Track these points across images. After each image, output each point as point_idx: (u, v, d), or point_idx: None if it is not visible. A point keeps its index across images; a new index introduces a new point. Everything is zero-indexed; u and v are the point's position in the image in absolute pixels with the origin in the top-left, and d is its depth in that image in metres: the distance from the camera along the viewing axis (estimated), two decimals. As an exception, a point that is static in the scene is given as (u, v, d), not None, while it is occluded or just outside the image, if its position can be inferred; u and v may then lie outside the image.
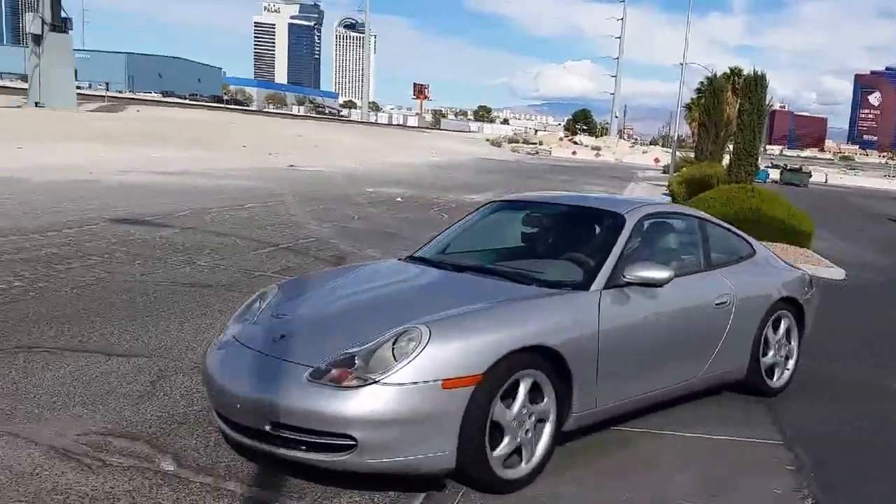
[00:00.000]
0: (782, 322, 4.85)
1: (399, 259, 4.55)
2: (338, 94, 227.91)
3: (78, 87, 31.75)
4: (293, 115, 63.83)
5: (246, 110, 58.93)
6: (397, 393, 2.95)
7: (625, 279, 3.74)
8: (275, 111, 68.78)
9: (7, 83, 40.22)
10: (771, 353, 4.73)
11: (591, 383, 3.55)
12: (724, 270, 4.55)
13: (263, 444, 3.00)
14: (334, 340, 3.24)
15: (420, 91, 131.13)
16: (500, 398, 3.15)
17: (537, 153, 61.94)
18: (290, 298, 3.83)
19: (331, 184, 16.43)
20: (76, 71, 30.91)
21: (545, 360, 3.34)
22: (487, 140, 72.90)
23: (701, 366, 4.23)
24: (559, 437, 3.45)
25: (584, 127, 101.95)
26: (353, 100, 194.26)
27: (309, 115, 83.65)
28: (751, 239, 5.17)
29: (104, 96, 37.63)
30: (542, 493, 3.18)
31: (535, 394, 3.31)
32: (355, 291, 3.94)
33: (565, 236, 4.60)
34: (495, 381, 3.12)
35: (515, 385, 3.22)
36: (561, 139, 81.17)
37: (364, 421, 2.93)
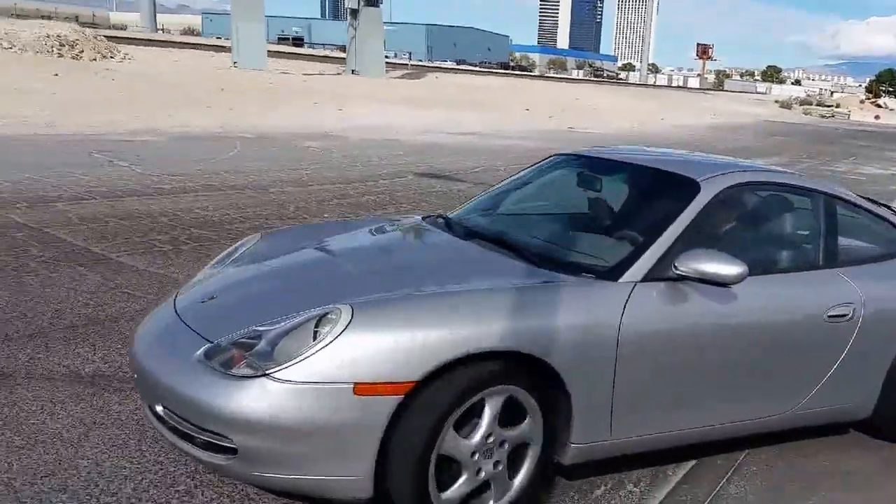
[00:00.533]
0: None
1: (425, 218, 3.77)
2: (616, 57, 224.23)
3: (385, 57, 35.59)
4: (572, 78, 64.91)
5: (529, 75, 61.19)
6: (290, 393, 2.26)
7: (677, 271, 2.80)
8: (555, 76, 70.35)
9: (328, 53, 45.94)
10: None
11: (604, 406, 2.68)
12: (856, 271, 3.38)
13: (160, 424, 2.50)
14: (256, 312, 2.59)
15: (703, 51, 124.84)
16: (457, 421, 2.39)
17: (833, 116, 57.09)
18: (260, 252, 3.34)
19: (606, 144, 17.48)
20: (385, 42, 34.69)
21: (525, 372, 2.50)
22: (776, 102, 68.26)
23: (794, 398, 3.19)
24: (554, 471, 2.83)
25: (891, 89, 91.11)
26: (632, 62, 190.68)
27: (587, 78, 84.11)
28: None
29: (407, 64, 41.71)
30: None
31: (511, 413, 2.53)
32: (330, 252, 3.26)
33: (623, 206, 3.59)
34: (441, 395, 2.35)
35: (480, 405, 2.45)
36: (862, 102, 73.66)
37: (243, 422, 2.27)
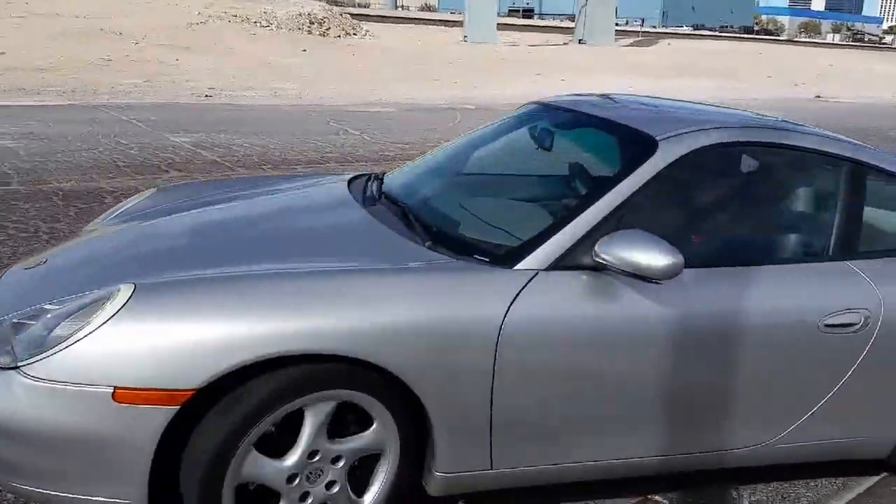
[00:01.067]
0: None
1: (355, 178, 3.22)
2: (882, 18, 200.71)
3: (616, 25, 34.85)
4: (826, 43, 59.40)
5: (775, 40, 56.82)
6: (36, 392, 1.88)
7: (597, 258, 2.21)
8: (806, 40, 64.71)
9: (558, 23, 45.81)
10: None
11: (479, 429, 2.17)
12: (881, 266, 2.61)
13: None
14: (60, 284, 2.22)
15: None
16: (270, 437, 2.01)
17: None
18: (136, 210, 2.95)
19: (856, 116, 16.06)
20: (616, 9, 33.97)
21: (366, 373, 2.05)
22: None
23: (771, 428, 2.52)
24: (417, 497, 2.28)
25: None
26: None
27: (844, 43, 76.43)
28: None
29: (638, 31, 40.55)
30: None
31: (354, 421, 2.13)
32: (194, 217, 2.76)
33: (566, 171, 2.95)
34: (236, 407, 1.93)
35: (299, 415, 2.04)
36: None
37: None
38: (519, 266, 2.24)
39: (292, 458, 2.06)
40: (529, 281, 2.21)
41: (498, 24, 29.94)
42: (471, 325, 2.11)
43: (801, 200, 2.87)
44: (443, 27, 32.42)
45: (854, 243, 2.67)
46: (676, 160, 2.47)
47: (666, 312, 2.28)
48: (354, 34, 25.59)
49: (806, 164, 2.82)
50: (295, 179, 3.44)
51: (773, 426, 2.54)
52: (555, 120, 3.12)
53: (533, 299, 2.18)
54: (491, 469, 2.26)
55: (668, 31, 49.45)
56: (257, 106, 12.07)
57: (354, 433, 2.15)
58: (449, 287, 2.16)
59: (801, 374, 2.49)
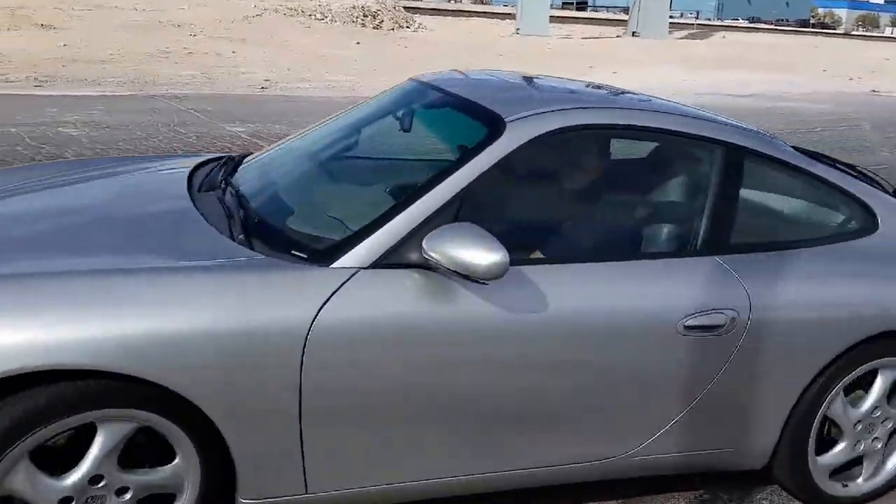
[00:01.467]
0: (878, 380, 2.57)
1: (208, 161, 2.95)
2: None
3: (670, 17, 34.34)
4: (884, 37, 57.68)
5: (831, 34, 55.38)
6: None
7: (425, 255, 1.99)
8: (863, 34, 62.99)
9: (611, 15, 45.33)
10: (843, 445, 2.60)
11: (288, 448, 1.96)
12: (753, 261, 2.41)
13: None
14: None
15: None
16: (45, 454, 1.80)
17: None
18: None
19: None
20: (671, 1, 33.45)
21: (152, 401, 1.82)
22: None
23: (637, 437, 2.35)
24: None
25: None
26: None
27: (907, 36, 74.13)
28: (883, 197, 2.74)
29: (693, 24, 39.94)
30: None
31: (148, 449, 1.90)
32: (17, 201, 2.55)
33: (416, 154, 2.78)
34: (4, 413, 1.73)
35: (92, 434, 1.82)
36: None
37: None
38: (336, 264, 1.99)
39: (70, 479, 1.81)
40: (346, 281, 1.96)
41: (551, 16, 29.76)
42: (271, 333, 1.85)
43: (666, 189, 2.63)
44: (495, 20, 32.36)
45: (725, 237, 2.44)
46: (525, 144, 2.22)
47: (502, 316, 2.06)
48: (407, 27, 25.70)
49: (674, 148, 2.63)
50: (154, 160, 3.15)
51: (631, 436, 2.34)
52: (421, 98, 2.80)
53: (349, 303, 1.93)
54: (306, 493, 2.03)
55: (723, 24, 48.53)
56: (312, 98, 12.24)
57: (153, 464, 1.89)
58: (247, 289, 1.88)
59: (660, 380, 2.29)
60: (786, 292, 2.40)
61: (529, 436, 2.24)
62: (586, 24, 36.11)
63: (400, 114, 2.81)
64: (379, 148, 2.89)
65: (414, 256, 2.03)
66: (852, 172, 2.88)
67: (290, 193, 2.55)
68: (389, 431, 2.07)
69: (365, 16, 24.51)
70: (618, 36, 31.38)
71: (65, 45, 15.30)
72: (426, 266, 2.02)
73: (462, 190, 2.15)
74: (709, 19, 52.04)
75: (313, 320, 1.90)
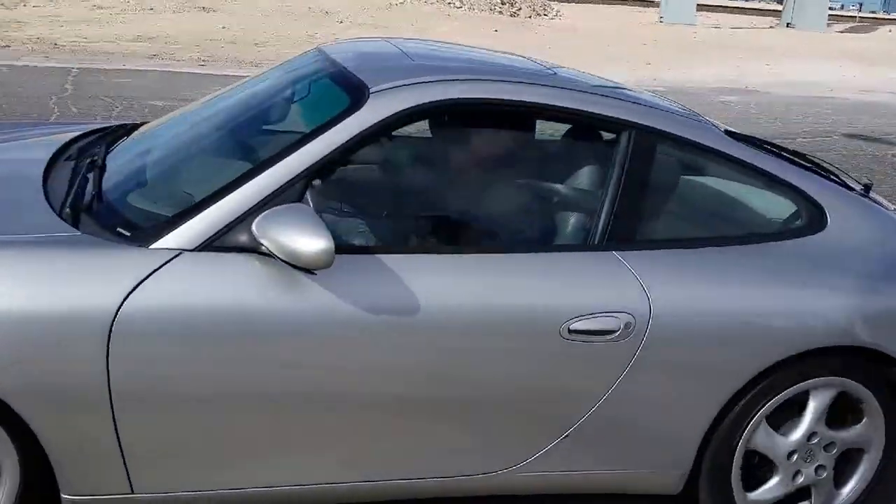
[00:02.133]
0: (810, 403, 2.30)
1: (112, 128, 2.77)
2: None
3: (830, 9, 32.34)
4: None
5: None
6: None
7: (260, 240, 1.84)
8: None
9: (763, 5, 43.16)
10: (777, 479, 2.35)
11: (105, 447, 1.83)
12: (661, 258, 2.16)
13: None
14: None
15: None
16: None
17: None
18: None
19: None
20: (831, -9, 31.49)
21: None
22: None
23: (511, 454, 2.13)
24: None
25: None
26: None
27: None
28: (837, 192, 2.43)
29: (855, 17, 37.39)
30: None
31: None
32: None
33: (277, 127, 2.46)
34: None
35: None
36: None
37: None
38: (156, 245, 1.84)
39: None
40: (165, 264, 1.81)
41: (698, 4, 28.68)
42: (75, 318, 1.72)
43: (562, 175, 2.36)
44: (638, 7, 31.55)
45: (629, 231, 2.18)
46: (387, 118, 2.02)
47: (342, 310, 1.87)
48: (545, 14, 25.53)
49: (575, 130, 2.43)
50: (73, 125, 2.97)
51: (512, 451, 2.13)
52: (311, 68, 2.56)
53: (166, 287, 1.79)
54: (132, 493, 1.90)
55: (890, 17, 45.09)
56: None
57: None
58: (54, 269, 1.76)
59: (543, 389, 2.07)
60: (695, 297, 2.14)
61: (381, 445, 2.04)
62: (737, 13, 34.58)
63: (288, 85, 2.58)
64: (255, 121, 2.55)
65: (246, 239, 1.86)
66: (804, 163, 2.57)
67: (146, 167, 2.33)
68: (214, 431, 1.91)
69: (503, 3, 24.52)
70: (770, 27, 29.88)
71: (224, 28, 16.20)
72: (259, 251, 1.85)
73: (308, 168, 1.95)
74: (873, 12, 48.63)
75: (121, 305, 1.75)
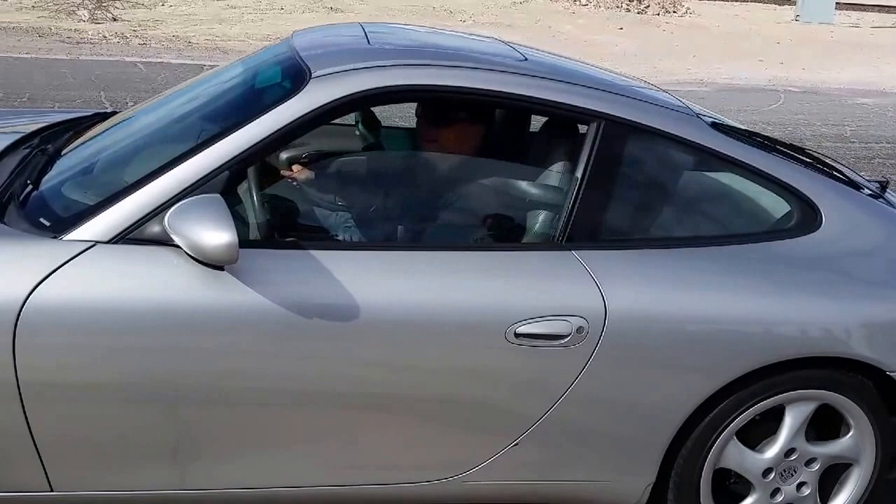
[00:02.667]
0: (786, 418, 2.16)
1: (86, 117, 2.73)
2: None
3: None
4: None
5: None
6: None
7: (169, 233, 1.78)
8: None
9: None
10: (753, 498, 2.22)
11: (21, 443, 1.81)
12: (613, 258, 2.02)
13: None
14: None
15: None
16: None
17: None
18: None
19: None
20: None
21: None
22: None
23: (457, 462, 2.03)
24: None
25: None
26: None
27: None
28: (836, 190, 2.24)
29: None
30: None
31: None
32: None
33: (224, 114, 2.29)
34: None
35: None
36: None
37: None
38: (69, 236, 1.80)
39: None
40: (77, 256, 1.77)
41: (837, 2, 27.12)
42: None
43: (519, 168, 2.24)
44: (771, 5, 30.15)
45: (593, 228, 2.06)
46: (326, 105, 1.91)
47: (261, 307, 1.79)
48: (674, 11, 24.78)
49: (537, 120, 2.30)
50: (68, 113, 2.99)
51: (457, 459, 2.03)
52: (274, 54, 2.45)
53: (77, 280, 1.76)
54: (51, 491, 1.89)
55: None
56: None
57: None
58: None
59: (487, 396, 1.97)
60: (659, 300, 2.00)
61: (308, 448, 1.97)
62: (881, 12, 32.49)
63: (244, 74, 2.47)
64: (202, 111, 2.42)
65: (161, 232, 1.82)
66: (802, 159, 2.38)
67: (93, 157, 2.27)
68: (128, 430, 1.87)
69: (630, 0, 23.98)
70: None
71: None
72: (173, 244, 1.80)
73: (235, 157, 1.87)
74: None
75: (28, 296, 1.74)
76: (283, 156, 2.77)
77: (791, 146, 2.49)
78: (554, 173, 2.19)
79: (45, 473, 1.86)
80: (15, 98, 7.10)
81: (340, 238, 2.22)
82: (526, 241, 2.14)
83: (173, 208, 1.78)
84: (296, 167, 2.64)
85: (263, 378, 1.88)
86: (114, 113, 2.80)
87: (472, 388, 1.98)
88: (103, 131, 2.50)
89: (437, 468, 2.06)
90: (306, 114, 1.93)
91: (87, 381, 1.81)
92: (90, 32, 12.05)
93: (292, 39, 2.43)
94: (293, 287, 1.86)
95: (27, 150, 2.39)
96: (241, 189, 2.01)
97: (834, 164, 2.52)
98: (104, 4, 14.26)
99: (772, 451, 2.21)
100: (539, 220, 2.13)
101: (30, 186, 2.06)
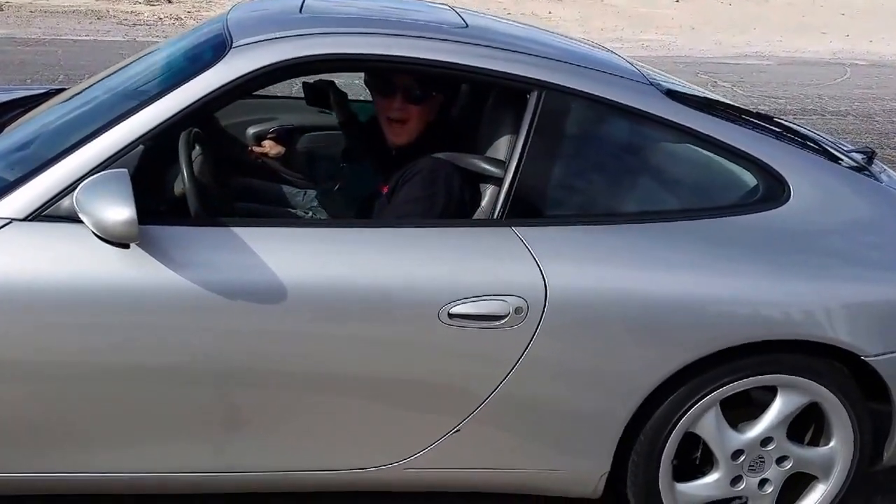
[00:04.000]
0: (775, 404, 2.06)
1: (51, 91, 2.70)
2: None
3: None
4: None
5: None
6: None
7: (76, 210, 1.73)
8: None
9: None
10: (714, 476, 2.11)
11: None
12: (555, 234, 1.93)
13: None
14: None
15: None
16: None
17: None
18: None
19: None
20: None
21: None
22: None
23: (394, 448, 1.97)
24: None
25: None
26: None
27: None
28: (807, 160, 2.13)
29: None
30: None
31: None
32: None
33: (148, 88, 2.19)
34: None
35: None
36: None
37: None
38: None
39: None
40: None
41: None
42: None
43: (461, 141, 2.17)
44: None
45: (535, 203, 1.98)
46: (245, 76, 1.85)
47: (175, 284, 1.75)
48: (733, -17, 24.04)
49: (474, 89, 2.26)
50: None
51: (394, 444, 1.96)
52: (208, 27, 2.40)
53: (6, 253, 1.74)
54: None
55: None
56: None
57: None
58: None
59: (423, 379, 1.89)
60: (607, 278, 1.90)
61: (241, 432, 1.91)
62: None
63: (179, 48, 2.37)
64: (131, 86, 2.32)
65: (67, 205, 1.78)
66: (769, 127, 2.25)
67: (30, 135, 2.25)
68: (52, 410, 1.85)
69: (688, -28, 23.32)
70: None
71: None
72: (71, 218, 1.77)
73: (150, 130, 1.83)
74: None
75: None
76: (250, 131, 2.76)
77: (759, 115, 2.35)
78: (497, 146, 2.11)
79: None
80: (76, 79, 7.22)
81: (304, 215, 2.19)
82: (467, 217, 2.06)
83: (81, 185, 1.75)
84: (266, 143, 2.61)
85: (177, 355, 1.83)
86: (63, 90, 2.78)
87: (408, 371, 1.91)
88: (46, 109, 2.46)
89: (376, 454, 1.99)
90: (223, 85, 1.87)
91: (3, 360, 1.79)
92: (146, 14, 12.20)
93: (230, 11, 2.38)
94: (217, 264, 1.81)
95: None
96: (185, 164, 1.98)
97: (808, 134, 2.37)
98: (159, -14, 14.43)
99: (750, 432, 2.10)
100: (482, 195, 2.07)
101: None
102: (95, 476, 1.93)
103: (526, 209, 1.98)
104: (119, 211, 1.67)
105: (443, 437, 1.97)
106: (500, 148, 2.10)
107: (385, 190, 2.21)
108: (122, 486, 1.98)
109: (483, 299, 1.85)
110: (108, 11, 12.12)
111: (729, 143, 2.08)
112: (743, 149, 2.09)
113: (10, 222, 1.78)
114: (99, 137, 1.84)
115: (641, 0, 18.95)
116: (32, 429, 1.88)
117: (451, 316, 1.86)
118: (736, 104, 2.50)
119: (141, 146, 1.86)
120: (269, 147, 2.63)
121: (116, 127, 1.84)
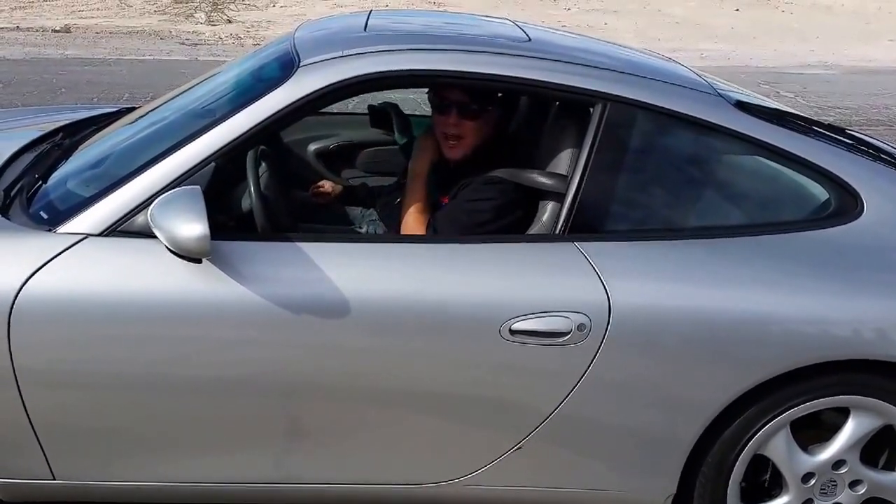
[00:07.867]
0: (847, 426, 1.96)
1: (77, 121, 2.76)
2: None
3: None
4: None
5: None
6: None
7: (150, 226, 1.77)
8: None
9: None
10: (783, 500, 2.01)
11: (23, 432, 1.85)
12: (619, 250, 1.88)
13: None
14: None
15: None
16: None
17: None
18: None
19: None
20: None
21: None
22: None
23: (453, 465, 1.93)
24: None
25: None
26: None
27: None
28: (881, 174, 2.02)
29: None
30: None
31: None
32: None
33: (219, 107, 2.19)
34: None
35: None
36: None
37: None
38: (63, 229, 1.85)
39: None
40: (69, 248, 1.81)
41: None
42: None
43: (524, 156, 2.17)
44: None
45: (598, 218, 1.96)
46: (312, 95, 1.89)
47: (247, 300, 1.79)
48: (796, -9, 23.54)
49: (538, 104, 2.28)
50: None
51: (454, 461, 1.95)
52: (275, 47, 2.42)
53: (69, 272, 1.80)
54: (54, 480, 1.93)
55: None
56: (682, 67, 11.82)
57: None
58: None
59: (483, 395, 1.88)
60: (673, 295, 1.87)
61: (302, 445, 1.95)
62: None
63: (247, 68, 2.42)
64: (202, 105, 2.39)
65: (138, 221, 1.85)
66: (841, 140, 2.20)
67: (103, 152, 2.32)
68: (125, 420, 1.90)
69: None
70: None
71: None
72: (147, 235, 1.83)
73: (221, 148, 1.88)
74: None
75: (21, 287, 1.79)
76: (311, 147, 2.81)
77: (830, 127, 2.31)
78: (558, 160, 2.08)
79: (47, 462, 1.91)
80: (140, 98, 7.42)
81: (361, 230, 2.29)
82: (529, 232, 2.05)
83: (156, 201, 1.80)
84: (326, 183, 2.68)
85: (243, 367, 1.88)
86: (133, 108, 2.89)
87: (469, 387, 1.92)
88: (119, 127, 2.54)
89: (434, 470, 1.99)
90: (292, 103, 1.92)
91: (79, 371, 1.85)
92: (207, 34, 12.50)
93: (296, 30, 2.42)
94: (286, 279, 1.86)
95: (46, 147, 2.47)
96: (252, 180, 2.04)
97: (881, 146, 2.33)
98: (219, 7, 14.77)
99: (821, 455, 2.05)
100: (542, 210, 2.05)
101: (38, 182, 2.14)
102: (159, 485, 1.98)
103: (588, 224, 1.97)
104: (193, 227, 1.72)
105: (503, 454, 1.95)
106: (562, 162, 2.08)
107: (445, 201, 2.23)
108: (182, 496, 2.02)
109: (545, 315, 1.85)
110: (171, 32, 12.45)
111: (801, 155, 2.03)
112: (815, 161, 2.04)
113: (85, 237, 1.84)
114: (172, 155, 1.90)
115: (699, 9, 18.68)
116: (100, 438, 1.93)
117: (512, 332, 1.85)
118: (805, 115, 2.45)
119: (212, 163, 1.91)
120: (331, 189, 2.70)
121: (190, 145, 1.90)
